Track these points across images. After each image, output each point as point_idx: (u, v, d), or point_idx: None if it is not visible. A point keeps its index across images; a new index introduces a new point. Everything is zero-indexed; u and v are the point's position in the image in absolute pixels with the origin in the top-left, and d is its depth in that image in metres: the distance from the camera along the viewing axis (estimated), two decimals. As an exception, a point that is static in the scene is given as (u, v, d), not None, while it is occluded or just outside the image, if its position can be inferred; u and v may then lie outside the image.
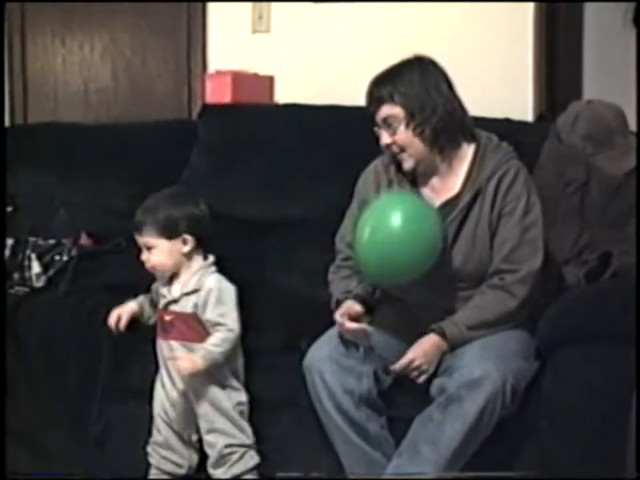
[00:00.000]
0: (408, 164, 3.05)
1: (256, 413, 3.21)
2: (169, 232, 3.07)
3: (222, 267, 3.35)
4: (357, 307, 3.06)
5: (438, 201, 3.09)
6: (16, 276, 3.73)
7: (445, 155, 3.06)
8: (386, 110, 3.01)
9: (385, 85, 3.03)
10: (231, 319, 3.09)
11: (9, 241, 3.78)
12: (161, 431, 3.15)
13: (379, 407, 2.98)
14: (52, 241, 3.78)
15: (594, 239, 3.19)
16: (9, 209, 3.94)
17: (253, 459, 3.16)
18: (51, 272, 3.72)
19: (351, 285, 3.17)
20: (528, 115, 4.02)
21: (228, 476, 3.12)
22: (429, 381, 2.92)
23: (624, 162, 3.20)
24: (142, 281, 3.37)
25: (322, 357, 2.98)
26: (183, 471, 3.19)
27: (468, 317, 2.95)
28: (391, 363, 2.95)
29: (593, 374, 2.82)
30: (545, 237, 3.10)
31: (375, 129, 3.07)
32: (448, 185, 3.08)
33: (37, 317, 3.51)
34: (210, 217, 3.27)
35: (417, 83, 3.01)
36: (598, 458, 2.82)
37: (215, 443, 3.09)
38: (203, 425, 3.14)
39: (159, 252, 3.07)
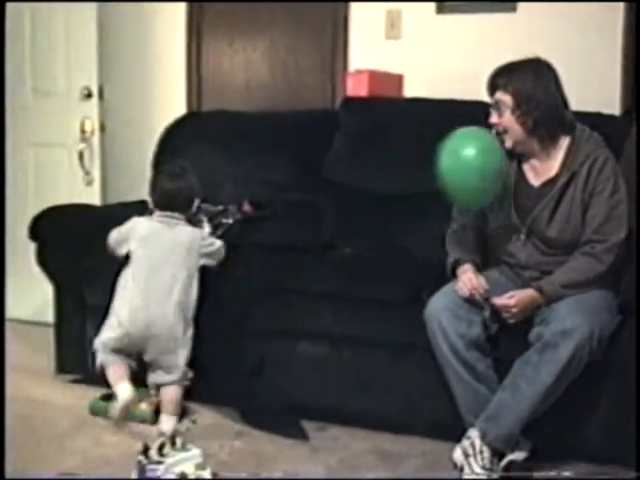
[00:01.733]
0: (507, 143, 3.12)
1: (383, 354, 3.35)
2: None
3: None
4: (473, 269, 3.14)
5: (538, 181, 3.14)
6: None
7: (543, 144, 3.11)
8: (498, 95, 3.10)
9: (503, 75, 3.11)
10: None
11: None
12: None
13: (486, 350, 3.05)
14: (220, 207, 3.88)
15: None
16: None
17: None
18: (219, 231, 3.78)
19: (466, 249, 3.24)
20: (616, 110, 4.03)
21: None
22: (528, 328, 2.99)
23: None
24: (291, 241, 3.59)
25: (439, 307, 3.06)
26: None
27: (562, 277, 3.00)
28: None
29: None
30: (628, 214, 3.11)
31: (490, 109, 3.14)
32: (547, 167, 3.13)
33: (205, 270, 3.52)
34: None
35: (529, 79, 3.06)
36: None
37: None
38: None
39: None
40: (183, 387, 3.42)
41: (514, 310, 3.01)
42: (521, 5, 4.24)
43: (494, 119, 3.13)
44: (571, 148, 3.11)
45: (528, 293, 3.02)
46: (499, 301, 3.02)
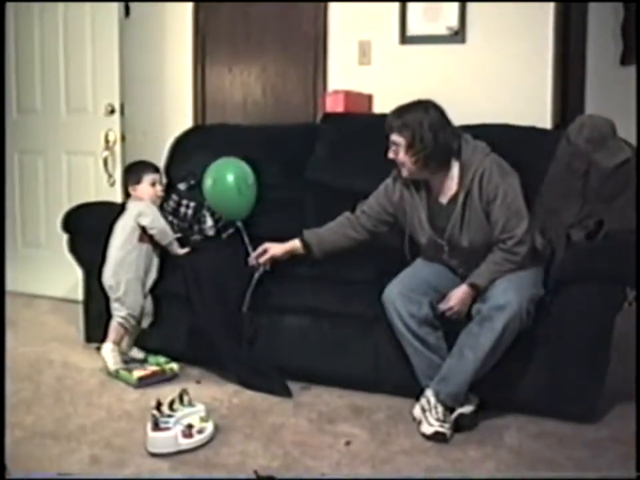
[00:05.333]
0: (403, 174, 3.06)
1: (356, 325, 3.31)
2: None
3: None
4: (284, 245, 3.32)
5: (445, 199, 3.07)
6: (195, 228, 3.79)
7: (436, 172, 3.03)
8: (393, 137, 3.01)
9: (396, 118, 3.00)
10: None
11: (192, 204, 3.80)
12: None
13: (435, 324, 3.04)
14: None
15: (592, 211, 3.17)
16: (192, 182, 3.89)
17: None
18: (219, 225, 3.78)
19: (322, 232, 3.31)
20: (547, 124, 4.02)
21: None
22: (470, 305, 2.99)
23: (614, 158, 3.16)
24: (279, 232, 3.47)
25: (394, 293, 3.05)
26: None
27: (488, 269, 2.98)
28: (442, 299, 3.02)
29: (587, 301, 2.94)
30: (554, 208, 3.15)
31: (388, 143, 3.05)
32: (447, 186, 3.06)
33: (208, 255, 3.59)
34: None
35: (418, 121, 2.95)
36: (587, 358, 2.96)
37: None
38: None
39: None
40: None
41: (456, 308, 3.00)
42: (468, 38, 4.22)
43: (391, 155, 3.06)
44: (462, 168, 3.03)
45: (463, 290, 3.01)
46: (442, 306, 3.01)
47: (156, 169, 3.77)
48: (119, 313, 3.54)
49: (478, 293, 2.99)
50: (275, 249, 3.36)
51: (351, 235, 3.30)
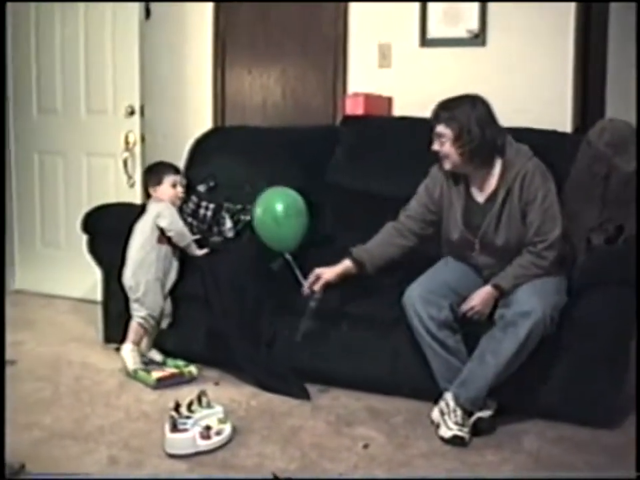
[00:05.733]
0: (446, 166, 3.07)
1: (374, 328, 3.29)
2: None
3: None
4: (335, 269, 3.20)
5: (482, 197, 3.08)
6: (215, 230, 3.79)
7: (479, 167, 3.05)
8: (440, 128, 3.02)
9: (444, 110, 3.02)
10: None
11: (211, 205, 3.81)
12: None
13: (455, 328, 3.03)
14: (239, 206, 3.82)
15: (612, 215, 3.17)
16: (212, 184, 3.93)
17: None
18: (238, 227, 3.78)
19: (370, 247, 3.24)
20: (568, 128, 4.02)
21: None
22: (493, 309, 3.00)
23: (634, 162, 3.17)
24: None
25: (414, 295, 3.05)
26: None
27: (514, 272, 2.98)
28: (462, 302, 3.02)
29: (606, 306, 2.92)
30: (575, 211, 3.14)
31: (433, 135, 3.07)
32: (487, 184, 3.07)
33: (227, 257, 3.58)
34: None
35: (466, 115, 2.97)
36: (606, 364, 2.95)
37: None
38: None
39: None
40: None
41: (477, 308, 3.00)
42: (489, 41, 4.21)
43: (436, 146, 3.06)
44: (504, 166, 3.04)
45: (486, 290, 3.01)
46: (464, 307, 3.01)
47: (177, 170, 3.79)
48: (138, 313, 3.55)
49: (501, 295, 2.99)
50: (328, 273, 3.23)
51: (400, 243, 3.23)
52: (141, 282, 3.54)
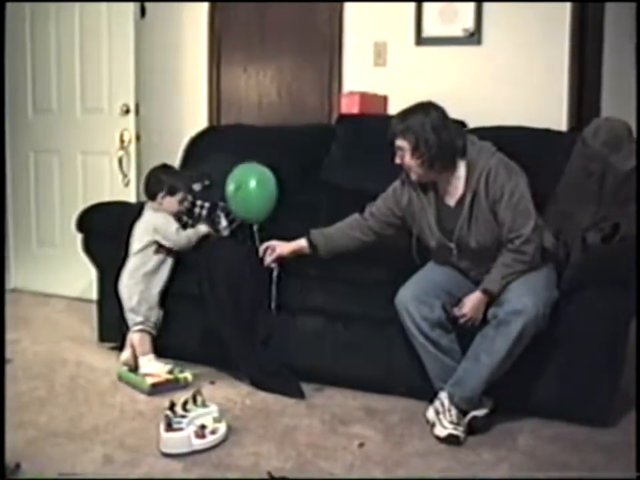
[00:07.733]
0: (412, 178, 3.05)
1: (369, 326, 3.30)
2: None
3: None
4: (291, 244, 3.34)
5: (452, 201, 3.05)
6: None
7: (443, 172, 3.02)
8: (398, 142, 3.00)
9: (399, 123, 2.99)
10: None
11: (206, 204, 3.79)
12: None
13: (448, 327, 3.02)
14: None
15: (608, 214, 3.15)
16: (207, 182, 3.87)
17: None
18: (233, 226, 3.75)
19: (328, 232, 3.31)
20: (563, 127, 4.00)
21: None
22: (486, 309, 2.97)
23: (630, 161, 3.16)
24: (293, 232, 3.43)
25: (406, 296, 3.04)
26: None
27: (500, 273, 2.95)
28: (454, 302, 3.02)
29: (601, 305, 2.92)
30: (570, 211, 3.14)
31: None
32: (455, 187, 3.04)
33: (223, 255, 3.54)
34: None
35: (420, 122, 2.94)
36: (601, 362, 2.95)
37: None
38: None
39: None
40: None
41: (469, 315, 3.00)
42: (484, 40, 4.21)
43: (397, 160, 3.05)
44: (469, 168, 3.01)
45: (476, 297, 3.00)
46: (457, 313, 3.01)
47: (188, 186, 3.75)
48: (135, 320, 3.51)
49: (492, 299, 2.98)
50: (281, 247, 3.38)
51: (357, 237, 3.28)
52: (135, 292, 3.51)
